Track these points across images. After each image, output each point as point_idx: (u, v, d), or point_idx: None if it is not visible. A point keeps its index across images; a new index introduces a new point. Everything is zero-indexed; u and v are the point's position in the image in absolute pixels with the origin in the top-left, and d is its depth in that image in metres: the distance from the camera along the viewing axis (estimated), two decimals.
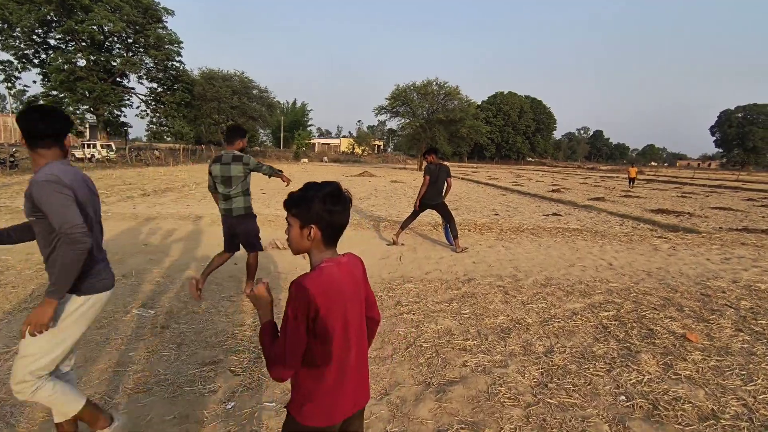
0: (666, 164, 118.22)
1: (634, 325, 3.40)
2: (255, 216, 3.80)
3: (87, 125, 39.59)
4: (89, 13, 28.56)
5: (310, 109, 74.52)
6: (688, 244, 6.80)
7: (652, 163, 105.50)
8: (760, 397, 2.44)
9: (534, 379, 2.55)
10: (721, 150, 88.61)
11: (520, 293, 4.12)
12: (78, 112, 30.95)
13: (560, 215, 10.11)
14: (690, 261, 5.73)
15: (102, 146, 28.37)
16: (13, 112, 53.44)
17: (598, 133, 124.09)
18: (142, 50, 32.95)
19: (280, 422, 2.02)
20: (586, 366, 2.72)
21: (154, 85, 35.10)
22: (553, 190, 17.48)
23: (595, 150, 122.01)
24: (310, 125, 71.93)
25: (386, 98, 41.30)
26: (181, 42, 33.61)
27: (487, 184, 20.85)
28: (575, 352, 2.93)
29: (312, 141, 69.19)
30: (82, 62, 30.30)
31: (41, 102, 30.08)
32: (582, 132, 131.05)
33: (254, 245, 3.74)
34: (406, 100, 40.24)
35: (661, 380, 2.61)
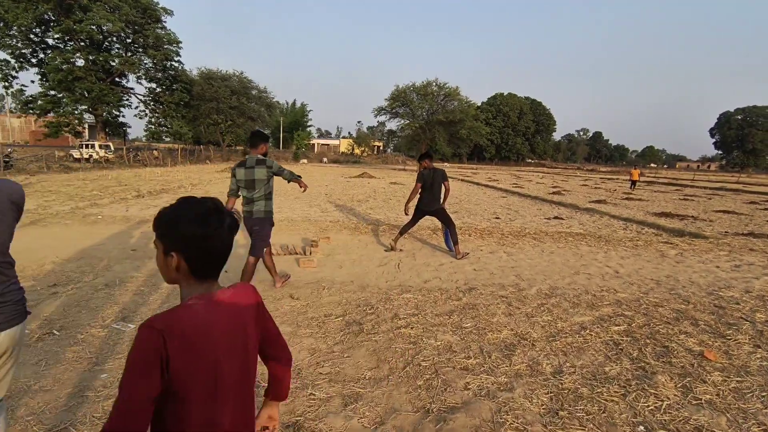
0: (665, 166, 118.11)
1: (648, 341, 3.19)
2: (272, 223, 3.91)
3: (86, 125, 39.42)
4: (88, 13, 28.38)
5: (310, 110, 74.41)
6: (695, 250, 6.59)
7: (652, 165, 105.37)
8: None
9: (543, 405, 2.34)
10: (720, 152, 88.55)
11: (523, 304, 3.91)
12: (76, 112, 30.75)
13: (562, 219, 9.90)
14: (699, 269, 5.52)
15: (100, 146, 28.15)
16: (11, 112, 53.28)
17: (598, 135, 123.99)
18: (140, 50, 32.77)
19: None
20: (599, 390, 2.51)
21: (153, 85, 34.95)
22: (553, 193, 17.29)
23: (595, 151, 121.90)
24: (310, 126, 71.72)
25: (386, 99, 41.11)
26: (180, 42, 33.44)
27: (487, 186, 20.65)
28: (586, 372, 2.72)
29: (311, 142, 69.02)
30: (80, 62, 30.11)
31: (39, 102, 29.93)
32: (581, 133, 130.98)
33: (256, 247, 3.79)
34: (405, 100, 40.05)
35: (681, 406, 2.40)
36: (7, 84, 30.22)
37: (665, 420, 2.25)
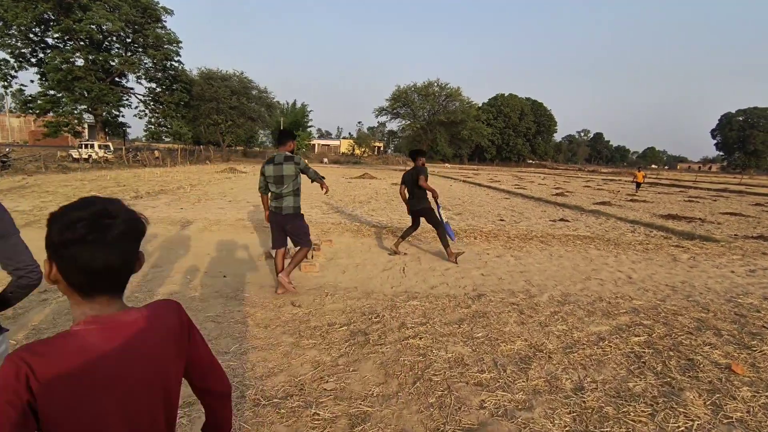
0: (666, 167, 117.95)
1: (671, 353, 3.01)
2: (303, 215, 3.98)
3: (85, 125, 39.29)
4: (87, 12, 28.27)
5: (310, 110, 74.13)
6: (708, 255, 6.41)
7: (653, 166, 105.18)
8: None
9: (566, 427, 2.16)
10: (722, 153, 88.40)
11: (536, 312, 3.73)
12: (75, 112, 30.62)
13: (568, 221, 9.72)
14: (714, 274, 5.34)
15: (99, 146, 27.99)
16: (11, 112, 53.12)
17: (599, 136, 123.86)
18: (140, 50, 32.66)
19: None
20: (624, 409, 2.33)
21: (153, 85, 34.87)
22: (557, 194, 17.11)
23: (596, 152, 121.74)
24: (310, 126, 71.55)
25: (387, 99, 41.08)
26: (180, 42, 33.33)
27: (489, 187, 20.47)
28: (609, 389, 2.54)
29: (312, 142, 68.85)
30: (80, 62, 29.99)
31: (39, 101, 29.80)
32: (582, 134, 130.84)
33: (303, 242, 3.91)
34: (406, 101, 39.96)
35: (712, 426, 2.23)
36: (6, 84, 30.10)
37: None
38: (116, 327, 0.75)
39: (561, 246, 6.63)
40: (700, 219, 10.84)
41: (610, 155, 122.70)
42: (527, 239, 7.04)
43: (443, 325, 3.37)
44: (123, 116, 35.21)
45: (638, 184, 20.37)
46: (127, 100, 34.13)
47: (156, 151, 35.89)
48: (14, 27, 27.89)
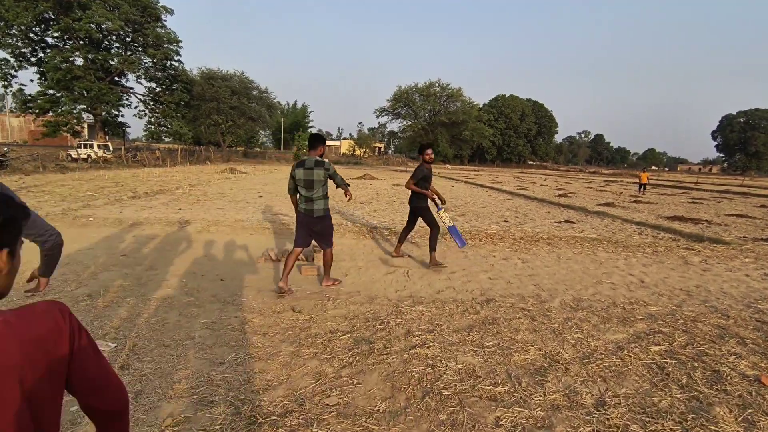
0: (667, 168, 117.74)
1: (696, 364, 2.83)
2: (330, 216, 4.10)
3: (85, 125, 39.11)
4: (87, 11, 28.10)
5: (311, 111, 74.16)
6: (720, 257, 6.23)
7: (653, 168, 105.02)
8: None
9: None
10: (722, 155, 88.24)
11: (548, 319, 3.55)
12: (75, 111, 30.44)
13: (573, 222, 9.54)
14: (728, 277, 5.16)
15: (99, 146, 27.82)
16: (11, 111, 52.97)
17: (599, 137, 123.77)
18: (140, 49, 32.50)
19: None
20: (652, 427, 2.15)
21: (153, 84, 34.69)
22: (559, 195, 16.94)
23: (596, 154, 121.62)
24: (311, 127, 71.52)
25: (387, 100, 40.92)
26: (180, 41, 33.18)
27: (491, 188, 20.30)
28: (632, 404, 2.36)
29: None
30: (79, 61, 29.82)
31: (38, 101, 29.63)
32: (583, 135, 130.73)
33: (327, 242, 4.07)
34: (408, 101, 39.81)
35: None
36: (6, 83, 29.94)
37: None
38: None
39: (569, 248, 6.45)
40: (706, 221, 10.66)
41: (611, 157, 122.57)
42: (533, 241, 6.86)
43: (451, 333, 3.19)
44: (122, 116, 35.07)
45: (643, 186, 20.06)
46: (126, 99, 33.97)
47: (156, 151, 35.75)
48: (15, 27, 27.75)
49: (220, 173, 22.19)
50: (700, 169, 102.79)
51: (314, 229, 3.99)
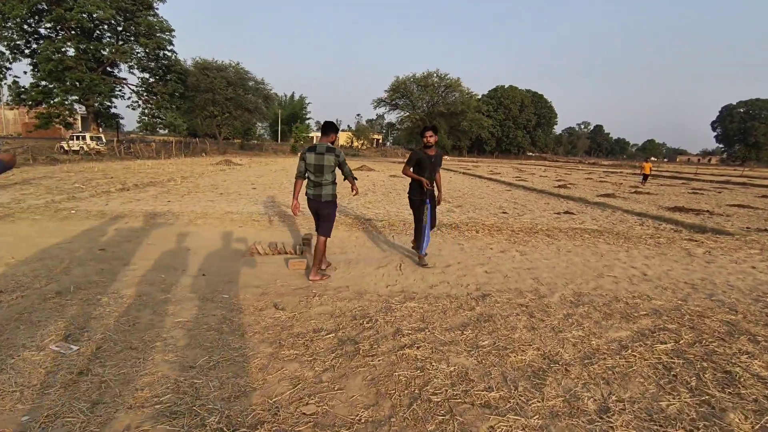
0: (666, 159, 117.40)
1: (705, 365, 2.63)
2: (337, 204, 4.10)
3: (78, 117, 38.53)
4: (78, 0, 27.42)
5: (309, 102, 73.35)
6: (723, 249, 6.03)
7: (653, 159, 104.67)
8: None
9: None
10: (722, 145, 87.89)
11: (547, 315, 3.35)
12: (66, 102, 29.92)
13: (573, 213, 9.33)
14: (734, 270, 4.96)
15: (91, 138, 27.40)
16: (7, 104, 52.19)
17: (599, 128, 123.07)
18: (132, 38, 31.85)
19: None
20: None
21: (146, 75, 34.04)
22: (559, 186, 16.71)
23: (596, 145, 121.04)
24: (309, 118, 70.84)
25: (385, 90, 40.39)
26: (173, 30, 32.54)
27: (490, 179, 20.05)
28: (638, 409, 2.15)
29: (310, 134, 68.15)
30: (71, 51, 29.22)
31: (32, 93, 29.08)
32: (582, 126, 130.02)
33: (326, 229, 4.01)
34: (405, 92, 39.32)
35: None
36: (1, 76, 29.33)
37: None
38: None
39: (568, 240, 6.24)
40: (708, 211, 10.46)
41: (610, 148, 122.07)
42: (532, 233, 6.64)
43: (444, 332, 2.98)
44: (115, 107, 34.55)
45: (645, 176, 19.41)
46: (120, 90, 33.38)
47: (152, 143, 35.28)
48: (10, 20, 27.15)
49: (214, 165, 21.87)
50: (699, 159, 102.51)
51: (322, 212, 4.01)
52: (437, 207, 4.87)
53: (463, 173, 23.89)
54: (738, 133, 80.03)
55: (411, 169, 4.62)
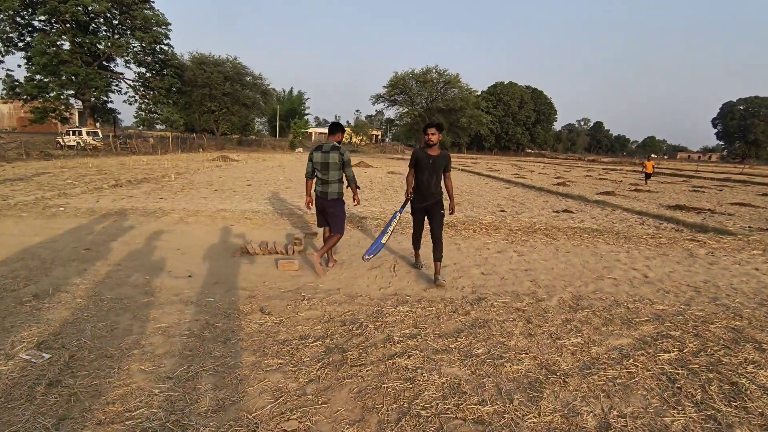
0: (666, 156, 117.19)
1: (711, 376, 2.50)
2: (344, 202, 4.21)
3: (75, 112, 38.19)
4: None
5: (308, 98, 72.91)
6: (726, 249, 5.91)
7: (653, 156, 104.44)
8: None
9: None
10: (722, 142, 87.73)
11: (545, 321, 3.22)
12: (62, 97, 29.62)
13: (572, 212, 9.20)
14: (737, 271, 4.84)
15: (88, 133, 27.13)
16: (1, 98, 51.77)
17: (599, 125, 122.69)
18: (128, 32, 31.48)
19: None
20: None
21: (142, 69, 33.70)
22: (558, 183, 16.57)
23: (595, 142, 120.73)
24: (307, 114, 70.45)
25: (384, 86, 40.11)
26: (169, 24, 32.17)
27: (488, 176, 19.90)
28: (641, 425, 2.03)
29: (309, 130, 67.77)
30: (66, 45, 28.86)
31: (27, 87, 28.73)
32: (582, 123, 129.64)
33: (338, 227, 4.13)
34: (404, 87, 39.03)
35: None
36: None
37: None
38: None
39: (567, 240, 6.11)
40: (709, 210, 10.34)
41: (610, 145, 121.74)
42: (530, 232, 6.51)
43: (437, 339, 2.85)
44: (112, 102, 34.22)
45: (647, 175, 18.56)
46: (116, 85, 33.08)
47: (150, 139, 35.01)
48: (2, 11, 26.77)
49: (211, 161, 21.67)
50: (699, 157, 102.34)
51: (328, 210, 4.10)
52: (449, 215, 4.23)
53: (462, 170, 23.73)
54: (738, 130, 79.82)
55: (411, 173, 4.07)
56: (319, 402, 2.12)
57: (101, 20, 30.60)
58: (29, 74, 28.63)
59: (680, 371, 2.55)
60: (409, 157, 4.42)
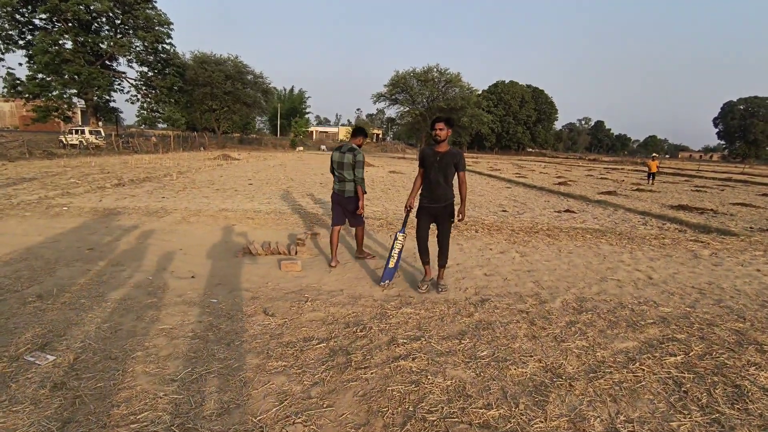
0: (667, 155, 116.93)
1: (716, 379, 2.49)
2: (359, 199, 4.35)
3: (77, 110, 38.20)
4: None
5: (308, 97, 72.88)
6: (729, 250, 5.89)
7: (654, 155, 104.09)
8: None
9: None
10: (723, 142, 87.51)
11: (549, 323, 3.21)
12: (65, 96, 29.61)
13: (574, 212, 9.18)
14: (740, 273, 4.82)
15: (90, 132, 27.15)
16: (2, 96, 51.83)
17: (600, 124, 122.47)
18: (130, 32, 31.46)
19: None
20: None
21: (145, 68, 33.68)
22: (559, 183, 16.54)
23: (596, 141, 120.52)
24: (308, 113, 70.44)
25: (385, 85, 40.04)
26: (171, 23, 32.15)
27: (489, 175, 19.87)
28: (648, 431, 2.02)
29: (310, 129, 67.75)
30: (69, 44, 28.85)
31: (29, 86, 28.74)
32: (583, 122, 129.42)
33: (358, 221, 4.44)
34: (405, 86, 38.98)
35: None
36: None
37: None
38: None
39: (570, 240, 6.10)
40: (711, 210, 10.31)
41: (611, 144, 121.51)
42: (533, 232, 6.50)
43: (441, 341, 2.85)
44: (114, 101, 34.26)
45: (651, 175, 18.20)
46: (119, 84, 33.08)
47: (152, 138, 35.02)
48: (0, 8, 26.73)
49: (212, 160, 21.68)
50: (701, 156, 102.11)
51: (347, 208, 4.32)
52: (459, 221, 3.87)
53: None
54: (739, 130, 79.61)
55: (419, 174, 3.77)
56: (324, 405, 2.12)
57: (103, 20, 30.58)
58: (31, 73, 28.64)
59: (686, 375, 2.53)
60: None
